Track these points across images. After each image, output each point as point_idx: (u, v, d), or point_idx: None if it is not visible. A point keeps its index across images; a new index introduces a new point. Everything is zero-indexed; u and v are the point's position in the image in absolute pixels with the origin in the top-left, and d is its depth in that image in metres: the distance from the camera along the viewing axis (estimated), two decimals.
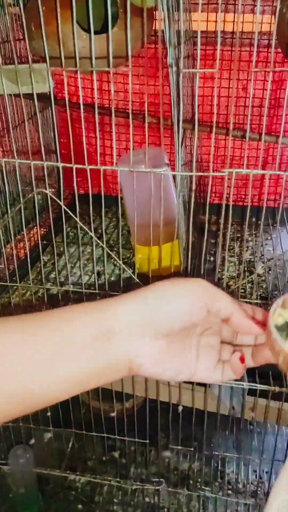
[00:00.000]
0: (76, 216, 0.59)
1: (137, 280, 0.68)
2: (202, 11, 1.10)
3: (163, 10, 0.54)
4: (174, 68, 0.52)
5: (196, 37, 0.93)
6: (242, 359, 0.46)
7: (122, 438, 0.85)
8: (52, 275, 0.90)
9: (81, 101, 0.55)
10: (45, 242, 0.95)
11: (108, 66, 0.55)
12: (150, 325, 0.42)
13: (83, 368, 0.41)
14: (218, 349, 0.47)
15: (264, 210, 0.67)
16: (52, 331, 0.40)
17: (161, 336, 0.42)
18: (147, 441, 0.86)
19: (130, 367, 0.42)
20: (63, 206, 0.59)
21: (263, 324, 0.46)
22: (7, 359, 0.38)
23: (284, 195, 1.16)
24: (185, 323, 0.42)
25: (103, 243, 0.61)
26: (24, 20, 0.84)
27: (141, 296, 0.42)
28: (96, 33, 0.77)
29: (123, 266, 0.66)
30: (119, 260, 0.62)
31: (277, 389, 0.71)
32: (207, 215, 0.61)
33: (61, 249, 0.93)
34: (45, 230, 1.07)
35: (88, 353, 0.40)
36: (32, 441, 1.05)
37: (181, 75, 0.52)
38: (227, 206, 0.61)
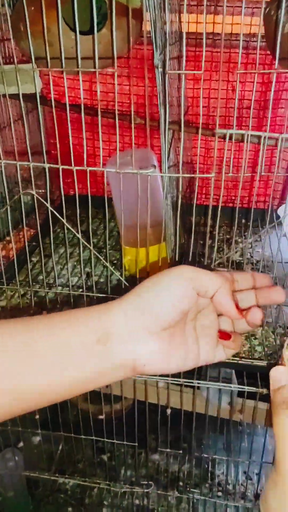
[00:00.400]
0: (63, 218, 0.58)
1: (125, 283, 0.68)
2: (191, 13, 1.10)
3: (148, 10, 0.54)
4: (160, 70, 0.52)
5: (187, 38, 0.93)
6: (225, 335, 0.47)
7: (111, 441, 0.85)
8: (41, 277, 0.90)
9: (66, 101, 0.55)
10: (34, 243, 0.95)
11: (95, 67, 0.55)
12: (147, 324, 0.42)
13: (87, 373, 0.42)
14: (216, 327, 0.48)
15: (252, 212, 0.67)
16: (53, 337, 0.42)
17: (160, 331, 0.43)
18: (136, 444, 0.86)
19: (134, 367, 0.43)
20: (50, 208, 0.58)
21: (269, 287, 0.48)
22: (15, 363, 0.40)
23: (272, 196, 1.17)
24: (179, 312, 0.43)
25: (90, 245, 0.61)
26: (12, 20, 0.83)
27: (135, 295, 0.43)
28: (86, 33, 0.77)
29: (111, 268, 0.65)
30: (107, 262, 0.62)
31: (264, 391, 0.71)
32: (193, 217, 0.61)
33: (49, 251, 0.92)
34: (34, 231, 1.06)
35: (90, 358, 0.42)
36: (21, 444, 1.04)
37: (167, 76, 0.52)
38: (216, 207, 0.61)
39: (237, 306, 0.45)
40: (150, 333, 0.43)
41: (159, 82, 0.54)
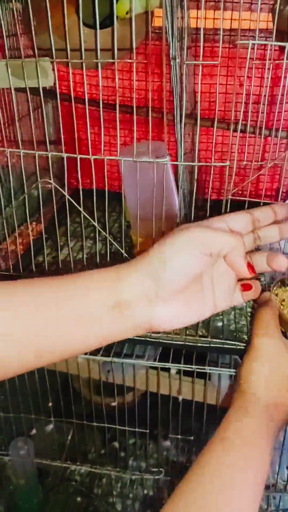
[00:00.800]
0: (80, 207, 0.60)
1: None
2: (199, 9, 1.11)
3: (165, 8, 0.56)
4: (178, 60, 0.53)
5: (194, 34, 0.95)
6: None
7: (123, 428, 0.86)
8: (53, 268, 0.91)
9: (85, 93, 0.56)
10: (46, 236, 0.96)
11: (112, 59, 0.56)
12: (162, 289, 0.43)
13: (104, 331, 0.44)
14: (232, 272, 0.48)
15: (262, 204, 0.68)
16: (73, 299, 0.43)
17: (175, 294, 0.44)
18: (147, 431, 0.87)
19: (150, 327, 0.45)
20: (67, 196, 0.60)
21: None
22: (35, 328, 0.42)
23: (282, 190, 1.18)
24: (192, 277, 0.44)
25: (106, 234, 0.63)
26: (25, 15, 0.85)
27: (147, 262, 0.44)
28: (97, 27, 0.79)
29: (126, 255, 0.67)
30: (122, 249, 0.64)
31: None
32: (208, 207, 0.63)
33: (61, 243, 0.94)
34: (42, 225, 1.08)
35: (107, 320, 0.43)
36: (33, 431, 1.06)
37: (184, 67, 0.53)
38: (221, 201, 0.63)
39: (250, 266, 0.45)
40: (164, 299, 0.44)
41: (175, 74, 0.56)
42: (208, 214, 0.69)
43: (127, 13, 0.70)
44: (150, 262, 0.44)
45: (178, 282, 0.43)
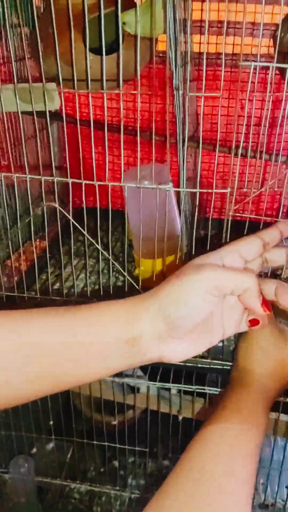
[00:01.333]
0: (84, 229, 0.61)
1: (140, 290, 0.70)
2: (202, 34, 1.14)
3: (169, 36, 0.57)
4: (181, 92, 0.55)
5: (197, 58, 0.97)
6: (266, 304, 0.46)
7: (122, 446, 0.87)
8: (56, 286, 0.92)
9: (91, 119, 0.58)
10: (49, 255, 0.97)
11: (118, 87, 0.58)
12: (172, 330, 0.44)
13: (113, 364, 0.45)
14: (240, 306, 0.48)
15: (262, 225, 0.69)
16: (87, 334, 0.44)
17: (185, 333, 0.45)
18: (147, 450, 0.88)
19: (160, 360, 0.46)
20: (71, 220, 0.61)
21: None
22: (52, 355, 0.44)
23: (283, 210, 1.19)
24: (205, 315, 0.44)
25: (109, 255, 0.64)
26: (32, 40, 0.87)
27: (158, 303, 0.44)
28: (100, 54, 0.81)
29: (129, 278, 0.68)
30: (124, 271, 0.65)
31: None
32: (209, 229, 0.64)
33: (66, 261, 0.95)
34: (47, 243, 1.09)
35: (117, 354, 0.44)
36: (34, 450, 1.06)
37: (187, 97, 0.55)
38: (226, 220, 0.64)
39: (264, 303, 0.45)
40: (175, 338, 0.44)
41: (178, 103, 0.57)
42: (209, 233, 0.71)
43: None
44: (161, 303, 0.44)
45: (189, 324, 0.44)
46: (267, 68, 1.07)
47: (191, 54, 0.88)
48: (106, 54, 0.83)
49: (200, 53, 1.08)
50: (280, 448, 1.01)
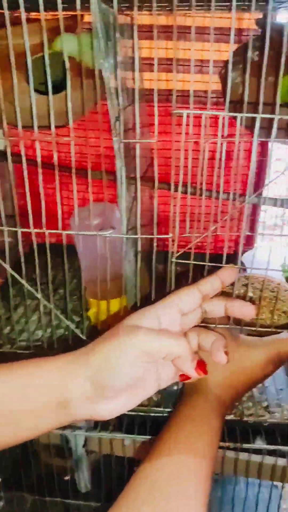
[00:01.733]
0: (22, 278, 0.58)
1: (87, 340, 0.68)
2: (151, 71, 1.14)
3: (104, 72, 0.56)
4: (116, 138, 0.54)
5: (147, 95, 0.96)
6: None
7: (77, 502, 0.82)
8: (6, 330, 0.89)
9: (38, 162, 0.56)
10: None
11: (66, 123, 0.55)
12: (102, 391, 0.43)
13: (47, 424, 0.45)
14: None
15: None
16: (19, 399, 0.44)
17: (117, 392, 0.44)
18: (99, 504, 0.84)
19: (92, 418, 0.45)
20: (10, 270, 0.58)
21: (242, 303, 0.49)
22: None
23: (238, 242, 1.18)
24: (135, 377, 0.44)
25: (51, 306, 0.61)
26: None
27: (90, 364, 0.44)
28: (45, 94, 0.79)
29: (72, 326, 0.65)
30: (67, 320, 0.62)
31: (231, 445, 0.71)
32: (170, 265, 0.62)
33: (16, 302, 0.92)
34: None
35: (50, 416, 0.44)
36: None
37: (121, 144, 0.54)
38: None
39: (199, 366, 0.45)
40: (106, 398, 0.43)
41: (116, 149, 0.56)
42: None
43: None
44: (92, 367, 0.43)
45: (119, 386, 0.43)
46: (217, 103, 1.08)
47: (141, 92, 0.88)
48: (53, 94, 0.82)
49: (150, 90, 1.08)
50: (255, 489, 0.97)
